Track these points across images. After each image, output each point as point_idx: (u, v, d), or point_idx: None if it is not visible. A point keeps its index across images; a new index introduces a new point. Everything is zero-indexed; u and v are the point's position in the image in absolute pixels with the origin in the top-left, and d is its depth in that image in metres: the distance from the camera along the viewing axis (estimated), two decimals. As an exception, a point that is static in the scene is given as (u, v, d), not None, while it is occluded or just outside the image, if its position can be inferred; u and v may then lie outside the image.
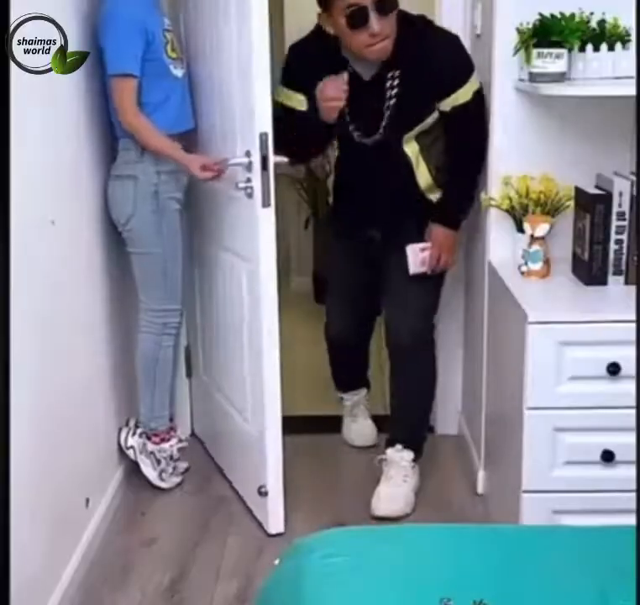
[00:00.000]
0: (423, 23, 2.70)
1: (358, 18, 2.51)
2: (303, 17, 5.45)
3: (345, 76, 2.68)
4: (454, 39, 2.73)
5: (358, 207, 2.91)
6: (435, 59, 2.62)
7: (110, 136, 2.94)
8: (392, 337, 2.93)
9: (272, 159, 2.61)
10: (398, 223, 2.87)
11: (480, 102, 2.72)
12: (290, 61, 2.85)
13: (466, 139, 2.78)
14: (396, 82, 2.67)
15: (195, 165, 2.80)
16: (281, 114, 2.72)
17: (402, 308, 2.89)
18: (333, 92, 2.67)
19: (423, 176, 2.81)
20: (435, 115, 2.74)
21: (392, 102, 2.70)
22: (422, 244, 2.82)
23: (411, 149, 2.78)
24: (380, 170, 2.81)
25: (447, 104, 2.70)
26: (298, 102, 2.76)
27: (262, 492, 2.77)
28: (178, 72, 2.90)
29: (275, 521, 2.79)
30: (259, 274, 2.67)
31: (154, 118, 2.86)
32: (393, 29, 2.57)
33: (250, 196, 2.64)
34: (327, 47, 2.67)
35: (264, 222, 2.65)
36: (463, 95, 2.68)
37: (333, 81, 2.67)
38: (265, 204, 2.62)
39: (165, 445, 3.15)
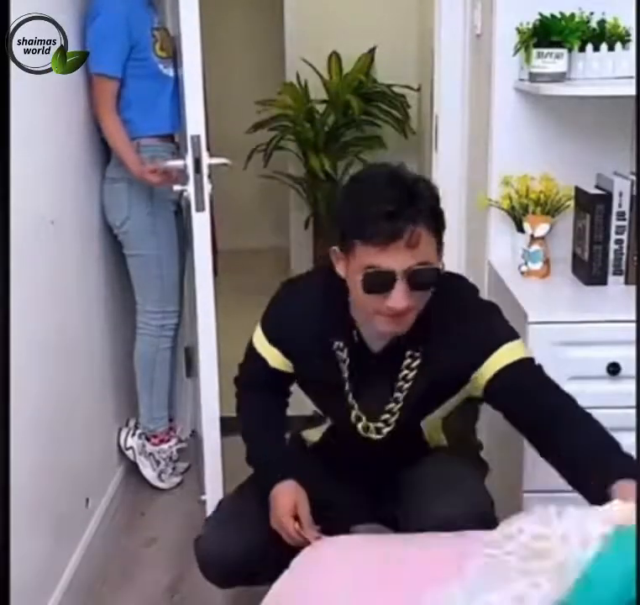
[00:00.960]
0: (461, 287, 1.95)
1: (378, 284, 1.71)
2: (303, 16, 5.48)
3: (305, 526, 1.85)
4: (492, 305, 1.95)
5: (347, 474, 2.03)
6: (468, 327, 1.84)
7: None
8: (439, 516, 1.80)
9: (206, 162, 2.52)
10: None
11: (538, 369, 1.86)
12: (277, 307, 2.00)
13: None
14: (415, 363, 1.87)
15: (144, 171, 2.81)
16: (254, 361, 2.04)
17: (446, 484, 1.89)
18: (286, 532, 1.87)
19: (434, 441, 2.06)
20: (462, 394, 1.98)
21: (407, 386, 1.90)
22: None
23: (429, 423, 2.03)
24: (382, 451, 1.97)
25: (482, 377, 1.84)
26: (280, 362, 2.00)
27: (199, 501, 2.69)
28: (169, 72, 2.89)
29: None
30: (195, 279, 2.63)
31: (145, 119, 2.87)
32: (422, 303, 1.77)
33: (187, 200, 2.60)
34: (332, 297, 1.87)
35: (199, 226, 2.57)
36: (501, 358, 1.82)
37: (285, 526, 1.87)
38: (199, 208, 2.55)
39: (164, 446, 3.15)
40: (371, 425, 1.93)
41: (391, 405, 1.91)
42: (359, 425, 1.94)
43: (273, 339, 1.98)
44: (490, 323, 1.88)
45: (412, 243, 1.66)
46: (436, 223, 1.72)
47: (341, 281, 1.82)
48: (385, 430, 1.93)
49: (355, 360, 1.89)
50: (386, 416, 1.92)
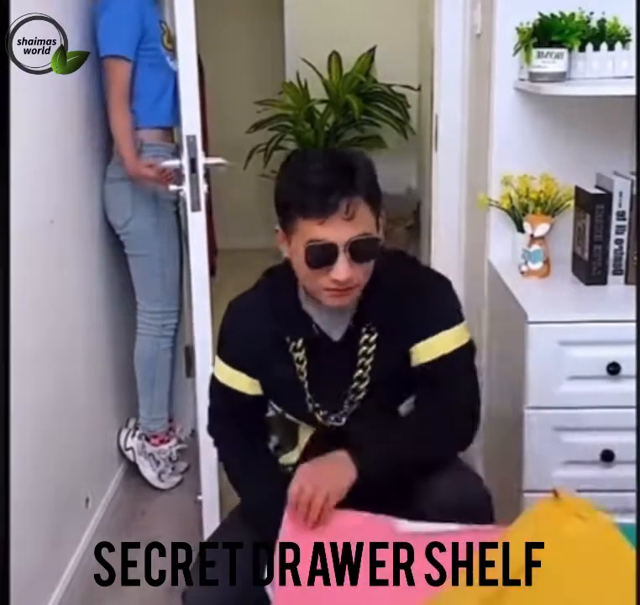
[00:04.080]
0: (404, 261, 1.97)
1: (321, 258, 1.73)
2: (303, 16, 5.48)
3: None
4: (444, 280, 1.96)
5: None
6: (416, 301, 1.86)
7: (107, 137, 2.94)
8: (435, 500, 1.79)
9: (202, 162, 2.53)
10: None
11: (465, 365, 1.91)
12: (227, 329, 1.96)
13: (435, 410, 1.88)
14: (372, 337, 1.87)
15: (139, 167, 2.82)
16: (222, 396, 1.98)
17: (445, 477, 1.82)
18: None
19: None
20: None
21: (369, 361, 1.87)
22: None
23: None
24: None
25: (416, 358, 1.88)
26: (247, 384, 1.93)
27: (196, 501, 2.69)
28: (174, 65, 2.90)
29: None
30: (191, 279, 2.63)
31: (150, 111, 2.87)
32: (366, 276, 1.79)
33: (182, 199, 2.61)
34: (281, 299, 1.89)
35: (194, 226, 2.58)
36: (439, 345, 1.87)
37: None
38: (195, 208, 2.56)
39: (164, 447, 3.16)
40: (329, 413, 1.89)
41: (355, 384, 1.87)
42: (318, 416, 1.89)
43: (235, 364, 1.93)
44: (444, 300, 1.92)
45: (349, 214, 1.70)
46: (372, 196, 1.75)
47: (287, 280, 1.86)
48: (348, 410, 1.89)
49: (317, 353, 1.88)
50: (351, 396, 1.88)
